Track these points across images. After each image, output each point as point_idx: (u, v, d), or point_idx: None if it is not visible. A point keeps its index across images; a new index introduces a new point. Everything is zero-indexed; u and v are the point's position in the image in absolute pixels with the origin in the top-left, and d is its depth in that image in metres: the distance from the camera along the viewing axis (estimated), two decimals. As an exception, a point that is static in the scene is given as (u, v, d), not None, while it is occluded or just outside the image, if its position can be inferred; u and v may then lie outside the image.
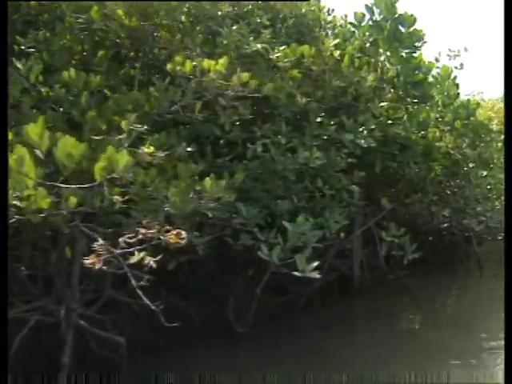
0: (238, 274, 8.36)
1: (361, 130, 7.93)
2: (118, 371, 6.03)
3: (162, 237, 4.42)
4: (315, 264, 5.65)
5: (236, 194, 6.60)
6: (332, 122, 7.93)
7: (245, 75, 5.83)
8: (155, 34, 6.86)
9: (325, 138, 7.85)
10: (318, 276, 5.65)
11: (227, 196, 6.12)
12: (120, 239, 4.28)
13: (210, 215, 6.54)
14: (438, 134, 10.78)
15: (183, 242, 4.38)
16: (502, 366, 5.67)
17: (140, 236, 4.39)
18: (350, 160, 8.05)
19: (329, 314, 8.49)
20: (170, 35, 6.66)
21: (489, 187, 11.26)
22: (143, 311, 7.10)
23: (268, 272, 7.33)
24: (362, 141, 7.74)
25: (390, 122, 8.58)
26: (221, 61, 5.69)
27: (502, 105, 15.44)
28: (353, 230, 9.45)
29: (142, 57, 6.76)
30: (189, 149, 6.59)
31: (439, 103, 11.25)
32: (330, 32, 9.39)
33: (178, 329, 6.94)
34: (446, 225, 10.55)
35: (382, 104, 8.25)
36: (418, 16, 8.79)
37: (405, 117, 9.69)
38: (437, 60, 11.75)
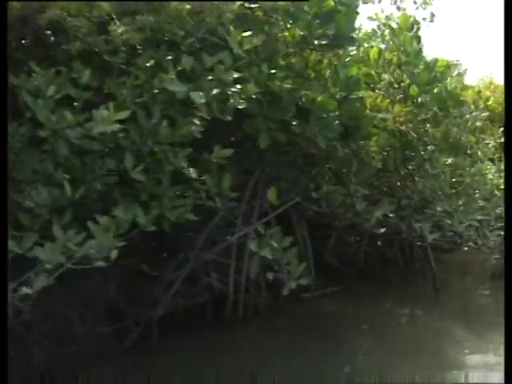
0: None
1: (211, 78, 5.01)
2: None
3: None
4: None
5: None
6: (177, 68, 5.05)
7: None
8: None
9: (156, 92, 4.97)
10: None
11: None
12: None
13: None
14: (384, 101, 7.81)
15: None
16: None
17: None
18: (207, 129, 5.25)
19: (167, 355, 5.69)
20: None
21: (454, 180, 8.22)
22: None
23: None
24: (200, 93, 4.81)
25: (274, 72, 5.62)
26: None
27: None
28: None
29: None
30: None
31: (393, 61, 8.27)
32: None
33: None
34: (383, 229, 7.54)
35: (245, 34, 5.25)
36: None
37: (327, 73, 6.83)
38: (399, 8, 8.88)
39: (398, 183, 8.14)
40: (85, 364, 5.31)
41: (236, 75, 5.11)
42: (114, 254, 4.19)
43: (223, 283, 6.62)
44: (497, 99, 11.77)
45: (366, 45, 8.81)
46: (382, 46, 8.79)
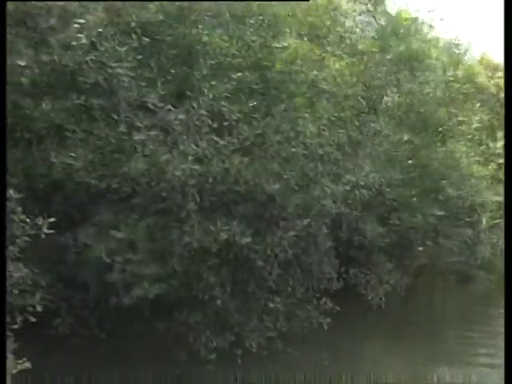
0: None
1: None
2: None
3: None
4: None
5: None
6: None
7: None
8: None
9: None
10: None
11: None
12: None
13: None
14: (324, 56, 6.14)
15: None
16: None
17: None
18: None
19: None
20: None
21: (410, 162, 6.58)
22: None
23: None
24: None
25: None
26: None
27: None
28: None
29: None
30: None
31: (347, 11, 6.64)
32: None
33: None
34: (305, 221, 5.72)
35: None
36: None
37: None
38: None
39: (342, 157, 6.43)
40: None
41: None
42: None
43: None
44: (489, 76, 10.11)
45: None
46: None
